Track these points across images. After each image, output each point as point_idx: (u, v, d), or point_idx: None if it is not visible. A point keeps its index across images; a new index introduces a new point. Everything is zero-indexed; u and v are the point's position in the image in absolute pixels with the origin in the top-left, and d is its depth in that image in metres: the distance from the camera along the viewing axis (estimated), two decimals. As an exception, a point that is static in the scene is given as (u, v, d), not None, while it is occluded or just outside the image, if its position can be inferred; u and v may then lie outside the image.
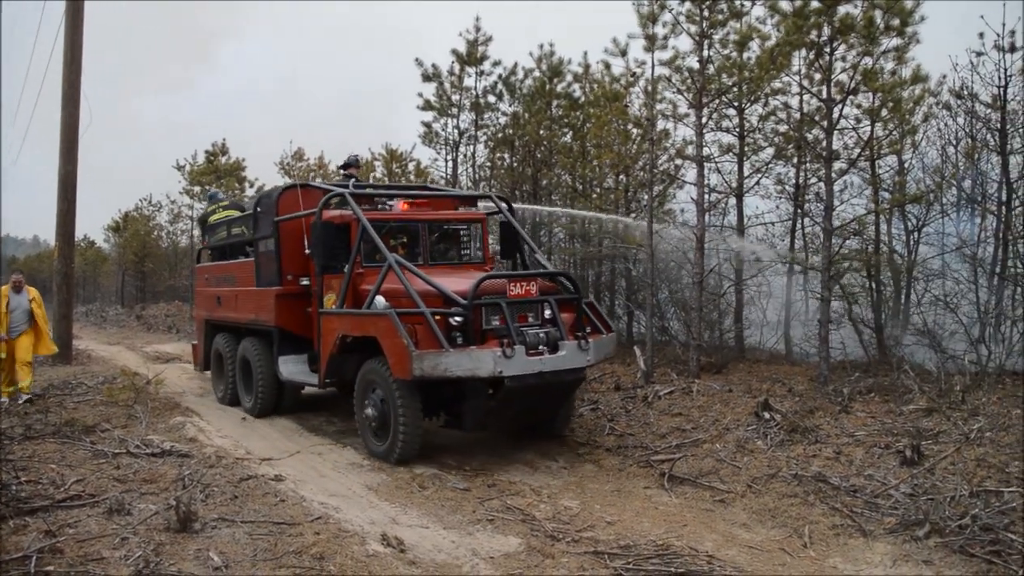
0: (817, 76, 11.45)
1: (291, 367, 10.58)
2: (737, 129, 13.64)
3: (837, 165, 11.82)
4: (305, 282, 10.41)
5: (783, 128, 13.06)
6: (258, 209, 11.25)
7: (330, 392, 10.78)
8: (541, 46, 17.99)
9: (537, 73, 18.00)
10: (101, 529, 6.13)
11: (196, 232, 31.57)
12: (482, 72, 18.64)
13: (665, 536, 6.32)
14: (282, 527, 6.34)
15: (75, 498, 6.87)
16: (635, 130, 15.02)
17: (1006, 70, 11.77)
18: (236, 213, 13.07)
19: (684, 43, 13.34)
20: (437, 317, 7.95)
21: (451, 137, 19.20)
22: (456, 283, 8.44)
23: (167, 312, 31.31)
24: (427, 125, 19.27)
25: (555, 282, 9.18)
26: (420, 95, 19.02)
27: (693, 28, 11.85)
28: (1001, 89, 11.89)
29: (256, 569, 5.51)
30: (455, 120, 19.08)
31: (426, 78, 18.71)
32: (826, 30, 10.90)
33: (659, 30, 11.90)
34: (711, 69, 12.19)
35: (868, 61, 10.96)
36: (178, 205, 33.34)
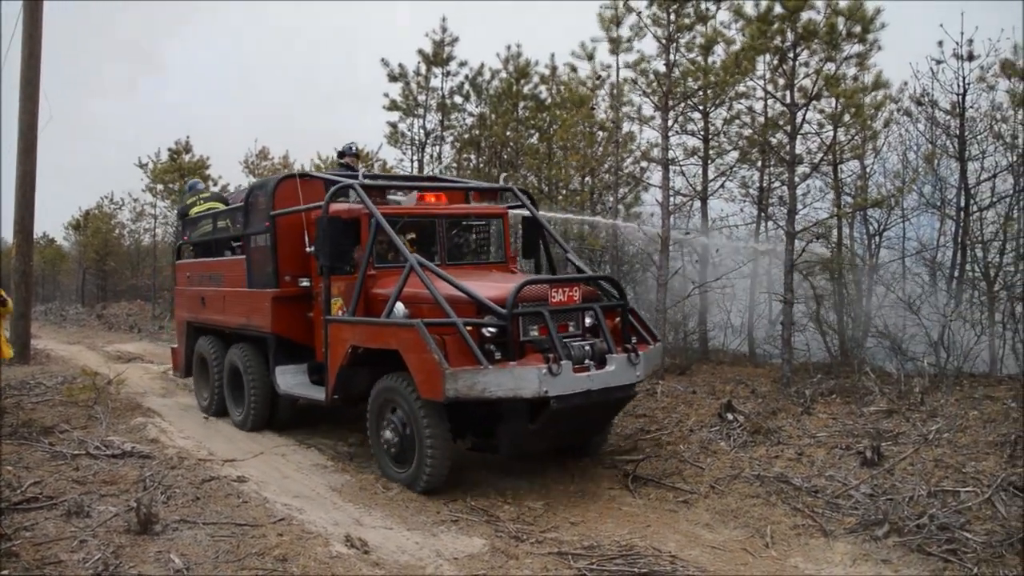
0: (781, 81, 11.58)
1: (289, 379, 9.51)
2: (702, 132, 13.75)
3: (800, 169, 11.97)
4: (305, 283, 9.41)
5: (747, 132, 13.18)
6: (250, 201, 10.11)
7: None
8: (508, 47, 18.05)
9: (504, 74, 18.05)
10: (59, 532, 6.03)
11: (159, 231, 31.25)
12: (448, 73, 18.66)
13: (628, 537, 6.35)
14: (245, 528, 6.29)
15: (32, 501, 6.76)
16: (601, 133, 15.08)
17: (964, 78, 11.99)
18: (220, 205, 11.75)
19: (649, 46, 13.44)
20: (469, 328, 7.06)
21: (417, 137, 19.19)
22: (488, 288, 7.53)
23: (129, 311, 30.92)
24: (393, 125, 19.24)
25: (595, 286, 8.38)
26: (386, 95, 19.00)
27: (659, 31, 11.95)
28: (960, 96, 12.10)
29: (218, 571, 5.46)
30: (421, 120, 19.07)
31: (392, 78, 18.70)
32: (789, 35, 11.04)
33: (624, 32, 12.00)
34: (676, 72, 12.28)
35: (831, 67, 11.11)
36: (141, 203, 32.91)
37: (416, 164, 19.44)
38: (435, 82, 18.78)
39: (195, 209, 12.15)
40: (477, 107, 18.77)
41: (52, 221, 49.71)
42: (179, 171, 27.18)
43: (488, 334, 7.15)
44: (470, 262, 9.34)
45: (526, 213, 9.74)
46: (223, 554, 5.74)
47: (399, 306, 7.70)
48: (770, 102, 12.84)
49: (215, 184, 28.29)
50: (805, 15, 10.82)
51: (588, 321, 7.74)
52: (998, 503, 6.39)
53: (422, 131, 19.09)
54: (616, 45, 12.06)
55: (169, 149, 27.72)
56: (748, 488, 7.27)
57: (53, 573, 5.28)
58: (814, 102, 11.46)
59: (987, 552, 5.66)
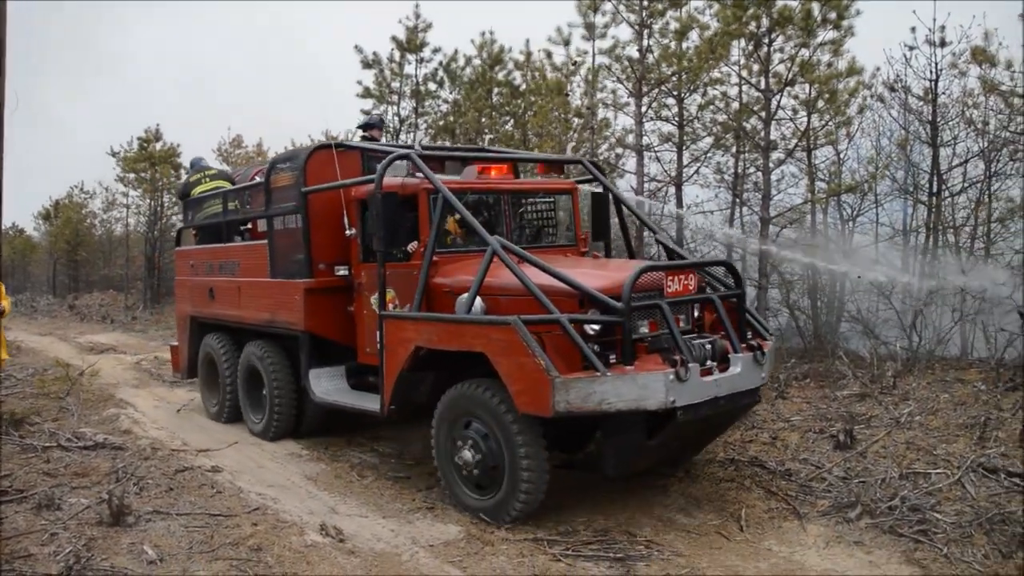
0: (755, 67, 11.64)
1: (326, 384, 8.28)
2: (676, 118, 13.77)
3: (775, 155, 12.04)
4: (343, 272, 8.11)
5: (722, 118, 13.23)
6: (272, 177, 8.72)
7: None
8: (482, 34, 17.96)
9: (478, 61, 17.98)
10: (29, 525, 5.97)
11: (131, 221, 30.91)
12: (422, 59, 18.55)
13: (604, 522, 6.37)
14: (219, 519, 6.26)
15: (1, 494, 6.67)
16: (576, 119, 15.07)
17: (937, 64, 12.08)
18: (226, 184, 10.53)
19: (624, 32, 13.43)
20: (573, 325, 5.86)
21: (391, 124, 19.07)
22: (590, 276, 6.37)
23: (101, 301, 30.58)
24: (366, 112, 19.10)
25: (704, 273, 7.20)
26: (359, 82, 18.87)
27: (633, 17, 11.93)
28: (932, 83, 12.20)
29: (192, 562, 5.43)
30: (395, 107, 18.96)
31: (366, 65, 18.57)
32: (764, 21, 11.09)
33: (599, 19, 11.96)
34: (651, 59, 12.29)
35: (805, 53, 11.17)
36: (112, 192, 32.56)
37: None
38: (409, 69, 18.69)
39: (199, 188, 10.75)
40: (451, 94, 18.71)
41: (21, 211, 48.97)
42: (150, 159, 26.88)
43: (591, 332, 6.00)
44: (539, 245, 7.98)
45: (595, 189, 8.71)
46: (197, 545, 5.71)
47: (476, 299, 6.48)
48: (745, 88, 12.89)
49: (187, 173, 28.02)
50: (780, 1, 10.85)
51: (697, 314, 6.81)
52: (967, 484, 6.49)
53: (396, 118, 18.99)
54: (591, 31, 12.04)
55: (139, 138, 27.39)
56: (722, 472, 7.31)
57: (23, 567, 5.22)
58: (788, 88, 11.53)
59: (956, 532, 5.74)
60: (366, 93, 18.82)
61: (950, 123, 12.44)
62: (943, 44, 12.00)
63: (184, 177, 12.36)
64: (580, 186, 9.01)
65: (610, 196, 8.49)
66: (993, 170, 12.21)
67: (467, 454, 6.45)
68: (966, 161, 12.43)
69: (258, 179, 9.46)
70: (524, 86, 17.56)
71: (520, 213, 8.11)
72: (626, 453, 6.34)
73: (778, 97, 11.37)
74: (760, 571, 5.46)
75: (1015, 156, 12.05)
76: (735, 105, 12.88)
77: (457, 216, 7.25)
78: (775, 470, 7.20)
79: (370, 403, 7.59)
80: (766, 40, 11.08)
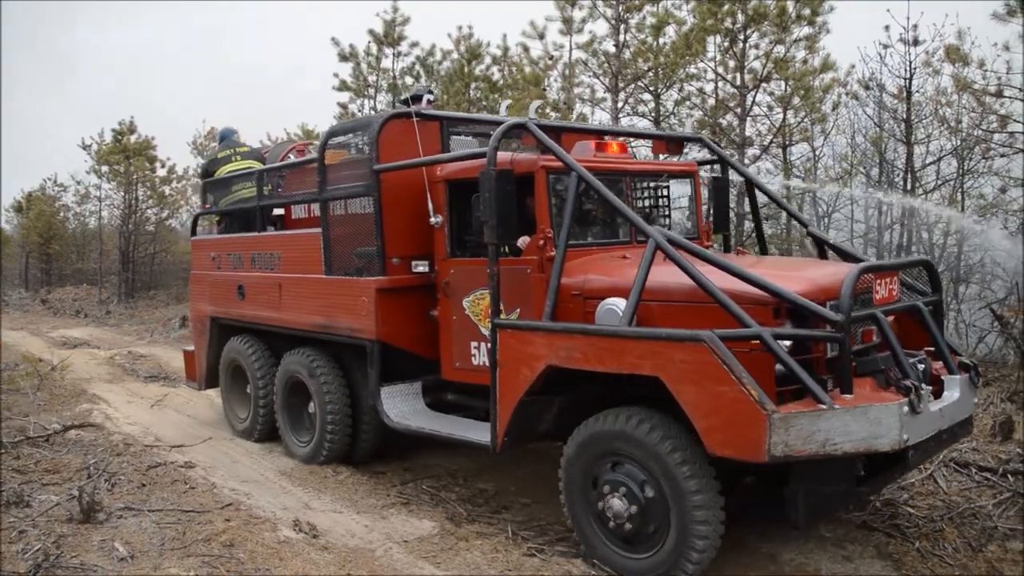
0: (731, 63, 11.68)
1: (402, 405, 6.98)
2: (653, 114, 13.82)
3: (750, 151, 12.09)
4: (421, 269, 6.85)
5: (698, 114, 13.28)
6: (330, 152, 7.37)
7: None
8: (460, 28, 17.94)
9: (456, 55, 17.95)
10: (-3, 521, 5.90)
11: (105, 214, 30.57)
12: (400, 53, 18.52)
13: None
14: (191, 515, 6.20)
15: (-30, 490, 6.60)
16: (554, 114, 15.07)
17: (911, 62, 12.19)
18: (258, 165, 9.02)
19: (601, 27, 13.45)
20: (754, 344, 4.75)
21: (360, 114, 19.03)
22: (782, 278, 5.09)
23: (75, 296, 30.25)
24: (343, 106, 19.08)
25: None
26: (336, 75, 18.81)
27: (610, 12, 11.94)
28: (907, 81, 12.31)
29: (163, 559, 5.38)
30: (372, 101, 18.92)
31: (343, 58, 18.53)
32: (740, 17, 11.12)
33: (576, 14, 11.96)
34: (627, 54, 12.30)
35: (780, 50, 11.22)
36: (86, 185, 32.21)
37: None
38: (386, 63, 18.65)
39: (229, 167, 9.21)
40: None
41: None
42: (124, 152, 26.62)
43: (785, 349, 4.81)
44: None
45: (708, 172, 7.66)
46: (169, 541, 5.67)
47: (615, 303, 5.35)
48: (720, 84, 12.93)
49: (163, 166, 27.76)
50: (754, -2, 10.91)
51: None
52: (939, 479, 6.57)
53: (373, 112, 18.93)
54: (569, 25, 12.04)
55: (113, 130, 27.11)
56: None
57: (-9, 564, 5.16)
58: (764, 84, 11.59)
59: (928, 527, 5.81)
60: (343, 86, 18.79)
61: (924, 121, 12.57)
62: (917, 43, 12.12)
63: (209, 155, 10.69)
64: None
65: (729, 180, 7.40)
66: (966, 168, 12.34)
67: (617, 503, 5.20)
68: (939, 159, 12.57)
69: (292, 159, 8.62)
70: (502, 81, 17.54)
71: (635, 199, 6.82)
72: (826, 501, 5.09)
73: (753, 93, 11.43)
74: (735, 564, 5.48)
75: (987, 154, 12.18)
76: (711, 101, 12.94)
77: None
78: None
79: (474, 433, 6.27)
80: (741, 36, 11.13)
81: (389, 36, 18.31)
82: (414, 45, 18.50)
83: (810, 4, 11.10)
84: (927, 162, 12.66)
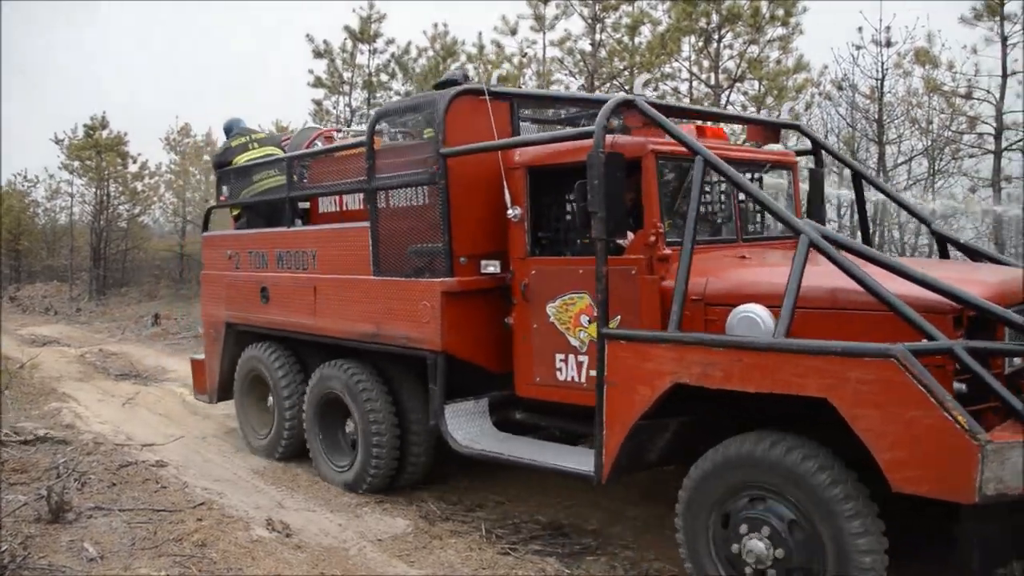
0: (706, 63, 11.75)
1: (469, 426, 6.08)
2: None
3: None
4: (492, 269, 5.98)
5: (673, 113, 13.31)
6: (380, 128, 6.51)
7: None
8: (435, 25, 17.94)
9: (431, 52, 17.94)
10: (-36, 522, 5.82)
11: (76, 210, 30.26)
12: (375, 50, 18.47)
13: (553, 514, 6.40)
14: (163, 514, 6.15)
15: (-64, 490, 6.51)
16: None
17: (883, 64, 12.33)
18: (278, 151, 8.44)
19: (577, 26, 13.47)
20: (939, 359, 4.05)
21: (342, 115, 18.95)
22: (951, 280, 4.29)
23: (44, 293, 29.93)
24: (317, 103, 19.01)
25: None
26: (311, 71, 18.75)
27: (586, 11, 11.98)
28: (879, 81, 12.44)
29: (134, 559, 5.33)
30: (347, 98, 18.87)
31: (317, 54, 18.46)
32: (715, 18, 11.18)
33: (549, 11, 11.99)
34: (603, 53, 12.33)
35: (754, 50, 11.30)
36: (57, 181, 31.86)
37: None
38: (361, 59, 18.60)
39: (247, 156, 8.46)
40: (404, 85, 18.64)
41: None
42: (95, 147, 26.35)
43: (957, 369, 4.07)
44: (751, 237, 6.05)
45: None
46: (140, 541, 5.62)
47: (756, 311, 4.56)
48: (695, 83, 12.99)
49: (134, 162, 27.47)
50: (729, -2, 11.00)
51: None
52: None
53: (348, 108, 18.88)
54: (541, 23, 12.06)
55: (85, 125, 26.83)
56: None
57: (-43, 565, 5.09)
58: (738, 84, 11.66)
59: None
60: (318, 82, 18.72)
61: (895, 121, 12.72)
62: (889, 44, 12.28)
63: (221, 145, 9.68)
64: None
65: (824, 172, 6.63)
66: (936, 167, 12.49)
67: (758, 545, 4.38)
68: (911, 159, 12.72)
69: (320, 144, 8.05)
70: (477, 78, 17.54)
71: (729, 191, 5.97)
72: (1009, 546, 4.45)
73: (728, 93, 11.50)
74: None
75: (957, 155, 12.34)
76: (686, 100, 13.00)
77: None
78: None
79: (570, 460, 5.42)
80: (716, 36, 11.21)
81: (365, 33, 18.27)
82: (390, 42, 18.52)
83: (784, 5, 11.20)
84: (899, 162, 12.82)
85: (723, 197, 5.89)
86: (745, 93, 12.08)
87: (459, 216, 5.86)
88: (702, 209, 5.51)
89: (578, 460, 5.35)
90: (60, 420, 9.46)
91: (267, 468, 7.63)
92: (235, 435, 8.91)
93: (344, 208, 7.33)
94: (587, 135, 5.06)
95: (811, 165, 6.84)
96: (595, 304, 5.09)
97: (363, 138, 6.65)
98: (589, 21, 12.01)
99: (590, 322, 5.32)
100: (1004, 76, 11.65)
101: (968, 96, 11.64)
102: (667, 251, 5.10)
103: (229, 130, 9.10)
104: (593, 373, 5.11)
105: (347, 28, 18.23)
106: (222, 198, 8.71)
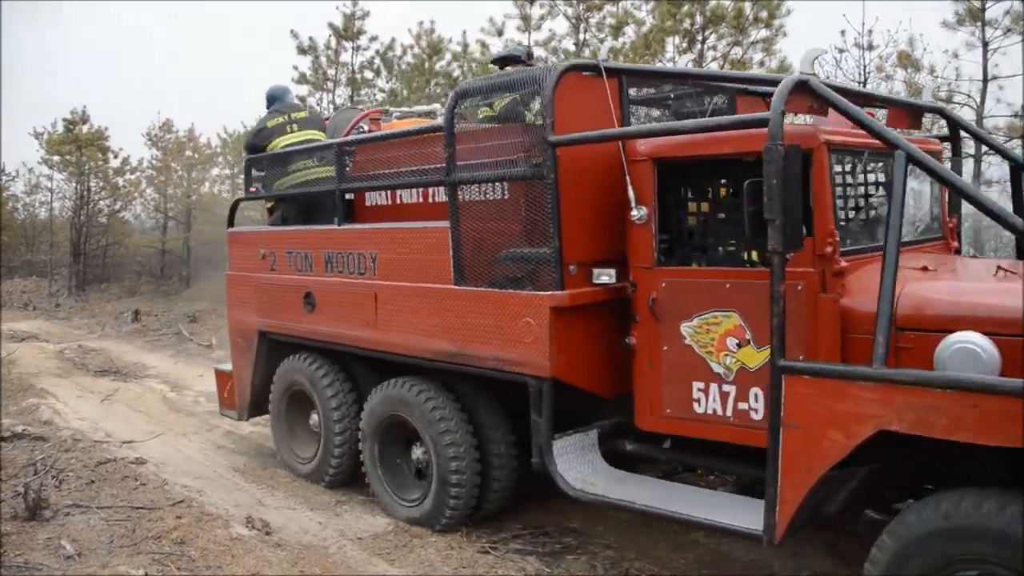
0: (689, 64, 11.77)
1: (581, 465, 5.24)
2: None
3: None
4: (606, 279, 5.02)
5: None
6: (458, 114, 5.45)
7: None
8: (420, 23, 17.93)
9: (416, 50, 17.94)
10: (-61, 519, 5.77)
11: (56, 205, 29.92)
12: (359, 47, 18.46)
13: (533, 513, 6.39)
14: (141, 512, 6.12)
15: (-89, 486, 6.45)
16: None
17: (865, 67, 12.42)
18: (318, 136, 7.41)
19: (561, 25, 13.51)
20: None
21: (327, 112, 18.90)
22: None
23: (23, 288, 29.61)
24: (301, 99, 18.93)
25: None
26: (295, 68, 18.72)
27: (570, 11, 12.00)
28: (861, 84, 12.51)
29: (112, 556, 5.30)
30: (331, 95, 18.84)
31: (301, 51, 18.44)
32: (699, 19, 11.22)
33: (535, 11, 12.02)
34: (587, 53, 12.35)
35: (738, 51, 11.35)
36: (36, 175, 31.56)
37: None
38: (345, 56, 18.57)
39: (286, 140, 7.33)
40: (388, 83, 18.64)
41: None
42: (75, 142, 26.12)
43: None
44: (916, 240, 5.34)
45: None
46: (118, 539, 5.59)
47: (976, 343, 3.73)
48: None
49: (115, 156, 27.21)
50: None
51: None
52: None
53: (332, 106, 18.83)
54: (527, 23, 12.09)
55: (64, 119, 26.59)
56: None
57: (-68, 562, 5.05)
58: (721, 85, 11.71)
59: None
60: (302, 79, 18.69)
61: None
62: (871, 47, 12.34)
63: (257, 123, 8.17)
64: None
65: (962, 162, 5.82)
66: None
67: None
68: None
69: (366, 128, 7.26)
70: (462, 77, 17.55)
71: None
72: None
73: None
74: (687, 562, 5.54)
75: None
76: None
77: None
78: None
79: (728, 513, 4.53)
80: (700, 37, 11.24)
81: (348, 30, 18.24)
82: (373, 39, 18.49)
83: (767, 7, 11.25)
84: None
85: (877, 196, 5.04)
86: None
87: (568, 216, 4.97)
88: (865, 212, 4.90)
89: (737, 514, 4.49)
90: (38, 417, 9.39)
91: (247, 465, 7.60)
92: (217, 431, 8.87)
93: (398, 201, 6.39)
94: (755, 122, 4.21)
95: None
96: (746, 326, 4.42)
97: (432, 121, 6.11)
98: (573, 21, 12.05)
99: (739, 346, 4.53)
100: (985, 81, 11.77)
101: (949, 100, 11.75)
102: (843, 263, 4.33)
103: (271, 101, 7.81)
104: (742, 406, 4.49)
105: (331, 25, 18.25)
106: (252, 189, 7.69)
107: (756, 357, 4.43)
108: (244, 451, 8.17)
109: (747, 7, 10.97)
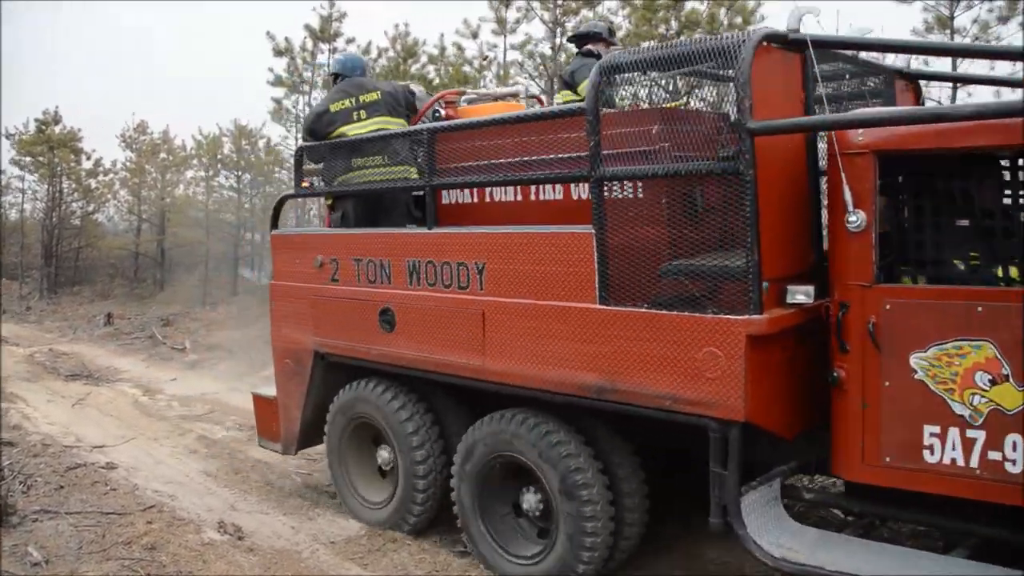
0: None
1: (772, 525, 4.30)
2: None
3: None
4: (802, 298, 4.07)
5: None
6: (605, 90, 4.48)
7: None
8: (396, 26, 17.92)
9: (392, 53, 17.93)
10: (-97, 526, 5.69)
11: (28, 207, 29.58)
12: (335, 49, 18.41)
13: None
14: (111, 517, 6.07)
15: None
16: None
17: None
18: (393, 125, 6.22)
19: (537, 30, 13.55)
20: None
21: (303, 114, 18.85)
22: None
23: (-7, 291, 29.36)
24: (277, 101, 18.91)
25: None
26: (271, 70, 18.67)
27: (547, 15, 12.04)
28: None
29: (80, 563, 5.26)
30: (307, 97, 18.79)
31: (277, 53, 18.40)
32: (674, 24, 11.30)
33: (511, 15, 12.06)
34: (563, 56, 12.40)
35: (712, 56, 11.48)
36: (7, 176, 31.19)
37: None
38: (322, 58, 18.54)
39: (356, 129, 6.18)
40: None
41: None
42: (47, 143, 25.85)
43: None
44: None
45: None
46: (87, 545, 5.54)
47: None
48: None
49: (88, 158, 26.93)
50: (689, 4, 11.16)
51: None
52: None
53: (308, 107, 18.78)
54: (503, 26, 12.13)
55: (36, 120, 26.30)
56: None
57: None
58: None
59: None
60: (278, 81, 18.64)
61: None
62: (843, 52, 12.47)
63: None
64: None
65: None
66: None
67: None
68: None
69: (441, 110, 6.32)
70: (437, 80, 17.54)
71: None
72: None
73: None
74: (661, 560, 5.56)
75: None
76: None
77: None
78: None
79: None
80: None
81: (325, 32, 18.21)
82: (350, 41, 18.48)
83: (742, 12, 11.34)
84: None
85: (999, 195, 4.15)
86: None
87: (773, 222, 4.05)
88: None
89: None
90: (7, 421, 9.27)
91: (219, 470, 7.54)
92: (188, 436, 8.79)
93: (488, 200, 5.46)
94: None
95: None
96: (1003, 359, 3.65)
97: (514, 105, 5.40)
98: (550, 25, 12.09)
99: (993, 383, 3.70)
100: (954, 88, 11.90)
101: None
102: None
103: (340, 73, 6.56)
104: (994, 456, 3.70)
105: (307, 27, 18.21)
106: (305, 183, 6.57)
107: (1016, 397, 3.65)
108: (216, 455, 8.10)
109: (721, 12, 11.06)
